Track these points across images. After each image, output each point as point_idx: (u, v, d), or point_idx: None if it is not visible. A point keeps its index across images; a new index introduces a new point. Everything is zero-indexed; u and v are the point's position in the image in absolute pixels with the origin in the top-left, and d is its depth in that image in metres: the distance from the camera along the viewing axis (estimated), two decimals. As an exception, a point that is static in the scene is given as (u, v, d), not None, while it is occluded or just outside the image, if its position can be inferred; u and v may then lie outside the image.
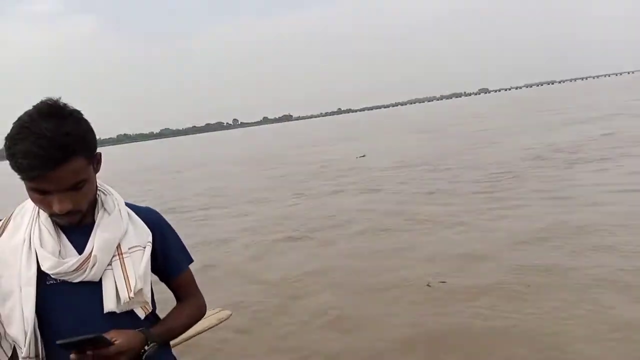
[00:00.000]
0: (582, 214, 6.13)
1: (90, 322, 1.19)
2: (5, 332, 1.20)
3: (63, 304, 1.20)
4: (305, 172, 14.98)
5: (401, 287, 4.59)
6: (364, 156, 17.02)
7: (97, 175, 1.25)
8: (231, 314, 3.09)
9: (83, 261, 1.19)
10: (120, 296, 1.21)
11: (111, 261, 1.22)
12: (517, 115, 28.65)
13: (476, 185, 9.07)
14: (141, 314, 1.25)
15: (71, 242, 1.22)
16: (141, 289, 1.23)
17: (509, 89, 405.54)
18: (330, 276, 5.21)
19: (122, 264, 1.23)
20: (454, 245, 5.61)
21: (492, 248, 5.34)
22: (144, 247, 1.27)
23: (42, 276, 1.19)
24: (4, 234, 1.24)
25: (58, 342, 1.09)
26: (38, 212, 1.24)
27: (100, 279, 1.21)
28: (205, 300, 1.48)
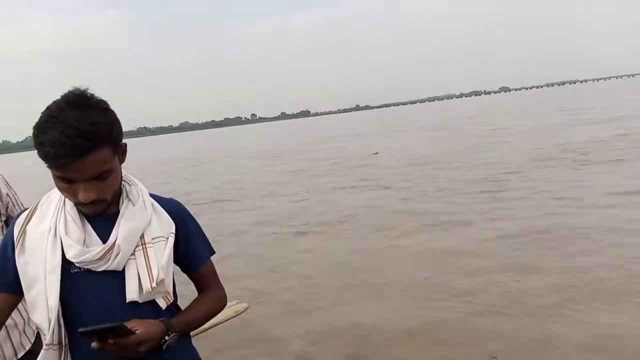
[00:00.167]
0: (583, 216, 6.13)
1: (112, 311, 1.20)
2: (29, 318, 1.22)
3: (86, 293, 1.21)
4: (317, 168, 15.10)
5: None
6: (377, 153, 17.00)
7: (122, 166, 1.26)
8: (248, 307, 3.10)
9: (107, 250, 1.20)
10: (143, 286, 1.21)
11: (134, 251, 1.23)
12: (535, 114, 28.39)
13: (483, 184, 9.08)
14: (162, 304, 1.25)
15: (96, 231, 1.23)
16: (163, 280, 1.23)
17: (530, 88, 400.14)
18: (335, 270, 5.35)
19: (145, 254, 1.23)
20: (445, 244, 5.76)
21: (481, 246, 5.46)
22: (167, 238, 1.28)
23: (66, 264, 1.20)
24: (30, 222, 1.26)
25: (80, 330, 1.10)
26: (64, 201, 1.26)
27: (124, 269, 1.22)
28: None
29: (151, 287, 1.21)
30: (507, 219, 6.47)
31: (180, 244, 1.33)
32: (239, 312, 2.99)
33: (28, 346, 1.80)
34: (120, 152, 1.23)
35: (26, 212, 1.29)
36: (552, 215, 6.30)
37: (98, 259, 1.19)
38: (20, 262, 1.22)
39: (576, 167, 9.70)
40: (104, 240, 1.22)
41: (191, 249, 1.37)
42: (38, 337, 1.76)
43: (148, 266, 1.22)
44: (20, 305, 1.39)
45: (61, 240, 1.21)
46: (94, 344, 1.12)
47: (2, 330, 1.34)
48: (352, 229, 7.02)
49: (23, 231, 1.25)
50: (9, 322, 1.67)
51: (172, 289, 1.29)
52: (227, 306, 2.98)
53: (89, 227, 1.24)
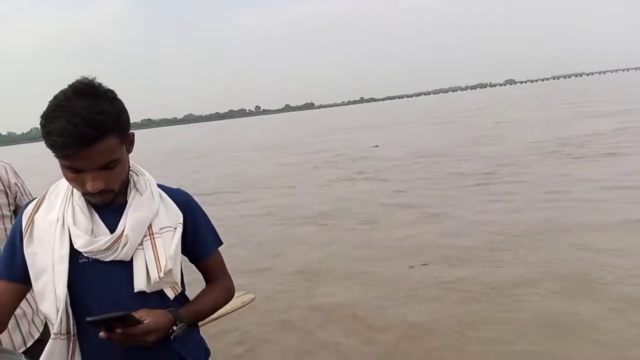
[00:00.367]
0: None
1: (120, 300, 1.20)
2: (37, 307, 1.22)
3: (94, 283, 1.21)
4: (318, 160, 15.19)
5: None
6: (376, 146, 17.04)
7: (130, 156, 1.26)
8: (254, 297, 3.11)
9: (115, 240, 1.20)
10: (151, 276, 1.21)
11: (142, 241, 1.23)
12: (539, 107, 28.27)
13: (480, 178, 9.11)
14: (170, 295, 1.25)
15: (103, 221, 1.23)
16: (171, 270, 1.23)
17: (536, 81, 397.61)
18: (331, 262, 5.45)
19: (153, 244, 1.23)
20: (437, 236, 5.87)
21: (471, 240, 5.55)
22: (175, 228, 1.27)
23: (74, 254, 1.20)
24: (38, 212, 1.26)
25: (88, 319, 1.10)
26: (72, 191, 1.25)
27: (131, 259, 1.22)
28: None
29: (159, 277, 1.21)
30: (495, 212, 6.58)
31: (188, 234, 1.32)
32: (246, 303, 3.00)
33: (37, 335, 1.81)
34: (128, 141, 1.23)
35: (34, 202, 1.29)
36: (542, 209, 6.39)
37: (106, 249, 1.19)
38: (28, 252, 1.22)
39: (569, 160, 9.74)
40: (112, 230, 1.22)
41: (199, 239, 1.36)
42: (46, 326, 1.77)
43: (156, 256, 1.22)
44: (28, 295, 1.40)
45: (69, 230, 1.21)
46: (101, 334, 1.12)
47: (11, 319, 1.34)
48: (344, 222, 7.14)
49: (31, 221, 1.25)
50: (17, 311, 1.67)
51: (180, 279, 1.29)
52: (234, 296, 3.00)
53: (96, 217, 1.24)
